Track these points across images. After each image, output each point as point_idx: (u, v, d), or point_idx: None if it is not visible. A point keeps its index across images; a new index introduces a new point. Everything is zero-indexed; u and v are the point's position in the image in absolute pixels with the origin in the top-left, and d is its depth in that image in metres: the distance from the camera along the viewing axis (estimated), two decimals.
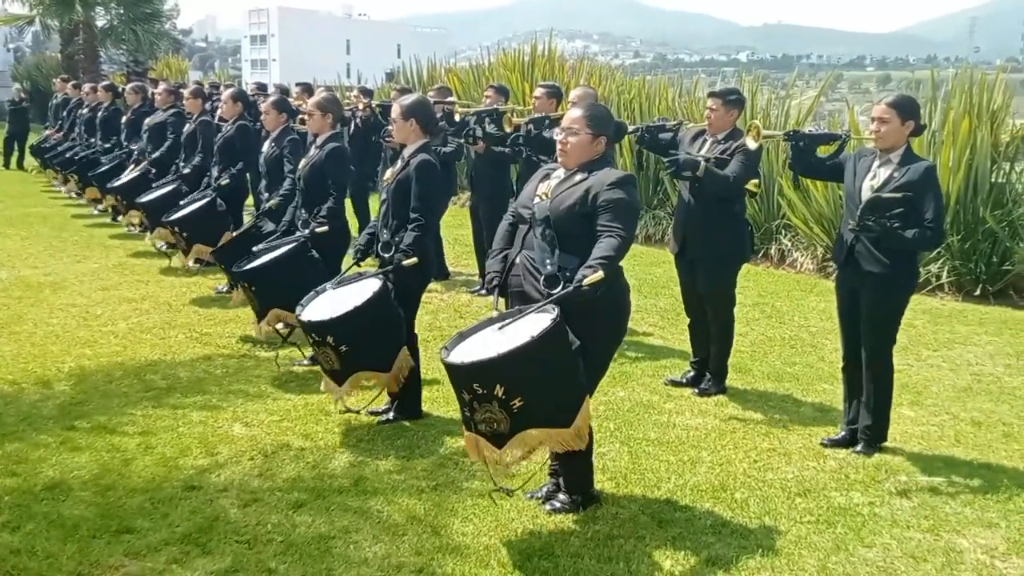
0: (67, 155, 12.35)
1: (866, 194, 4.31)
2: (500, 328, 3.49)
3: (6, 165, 17.51)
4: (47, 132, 15.20)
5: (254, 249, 5.76)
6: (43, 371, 5.48)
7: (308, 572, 3.31)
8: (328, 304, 4.53)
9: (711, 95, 5.31)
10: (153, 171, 9.06)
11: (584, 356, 3.47)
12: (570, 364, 3.42)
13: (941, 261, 8.14)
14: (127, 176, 9.48)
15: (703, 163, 4.99)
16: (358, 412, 4.84)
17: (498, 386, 3.27)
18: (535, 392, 3.33)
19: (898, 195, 4.18)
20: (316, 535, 3.58)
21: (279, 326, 5.57)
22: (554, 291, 3.47)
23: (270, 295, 5.47)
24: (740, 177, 5.04)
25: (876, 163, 4.36)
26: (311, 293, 4.66)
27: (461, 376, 3.37)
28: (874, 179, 4.34)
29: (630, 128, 5.96)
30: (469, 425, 3.44)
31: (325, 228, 5.40)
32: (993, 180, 8.26)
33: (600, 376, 3.75)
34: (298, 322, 4.62)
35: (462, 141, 7.60)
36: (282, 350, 5.76)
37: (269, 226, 6.19)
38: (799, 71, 16.37)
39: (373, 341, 4.49)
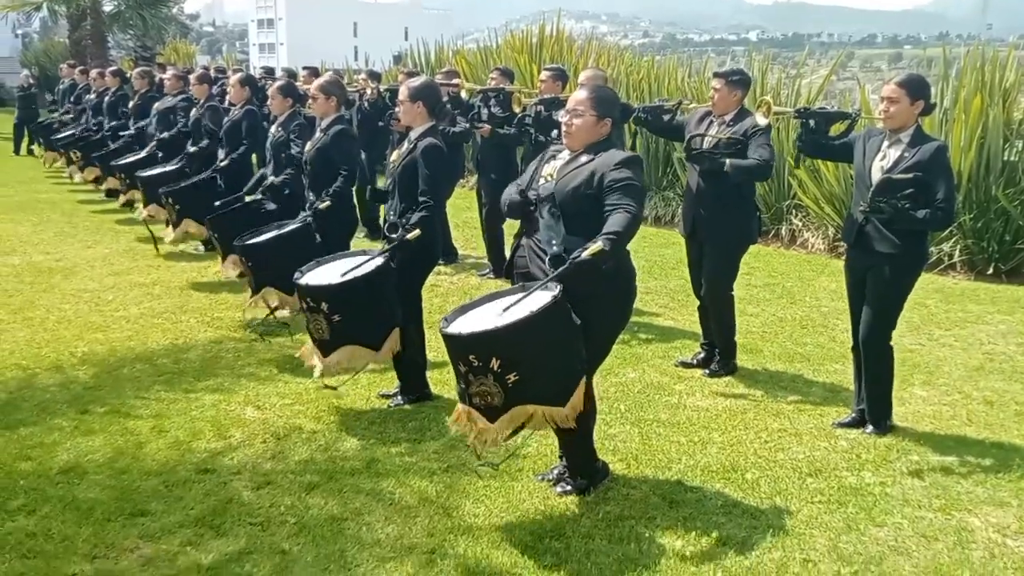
0: (73, 135, 12.34)
1: (876, 174, 4.28)
2: (502, 303, 3.49)
3: (16, 151, 17.56)
4: (56, 115, 15.20)
5: (255, 226, 5.79)
6: (56, 356, 5.52)
7: (321, 553, 3.34)
8: (328, 272, 4.55)
9: (715, 76, 5.27)
10: (161, 154, 9.08)
11: (586, 338, 3.47)
12: (569, 343, 3.42)
13: (953, 240, 8.09)
14: (133, 156, 9.49)
15: (727, 162, 4.97)
16: (335, 388, 4.85)
17: (494, 359, 3.27)
18: (531, 368, 3.33)
19: (909, 176, 4.15)
20: (329, 517, 3.60)
21: (272, 303, 5.59)
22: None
23: (267, 273, 5.49)
24: (768, 160, 5.00)
25: (886, 143, 4.33)
26: (312, 263, 4.67)
27: (458, 347, 3.37)
28: (884, 159, 4.30)
29: (635, 106, 5.92)
30: (464, 398, 3.45)
31: (328, 203, 5.40)
32: (1005, 158, 8.19)
33: (601, 359, 3.74)
34: (295, 286, 4.62)
35: (468, 126, 7.58)
36: (275, 337, 5.80)
37: (270, 205, 6.21)
38: (810, 50, 16.26)
39: (367, 316, 4.49)
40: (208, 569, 3.23)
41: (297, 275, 4.57)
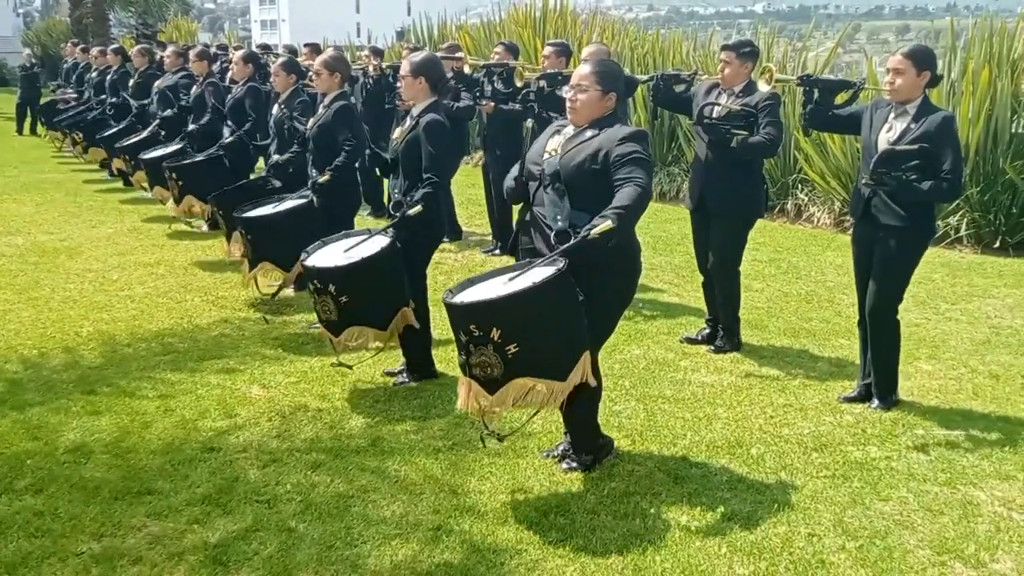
0: (76, 116, 12.29)
1: (882, 146, 4.24)
2: (507, 277, 3.48)
3: (19, 131, 17.53)
4: (63, 93, 15.06)
5: (259, 201, 5.78)
6: (62, 336, 5.53)
7: (327, 531, 3.35)
8: (334, 254, 4.54)
9: (724, 48, 5.22)
10: (163, 133, 9.05)
11: (591, 312, 3.46)
12: (571, 316, 3.41)
13: (960, 213, 8.04)
14: (137, 137, 9.46)
15: (735, 139, 4.96)
16: (351, 367, 4.85)
17: (494, 329, 3.27)
18: (532, 340, 3.32)
19: (913, 147, 4.11)
20: (335, 495, 3.62)
21: (270, 280, 5.58)
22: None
23: (265, 247, 5.48)
24: (776, 138, 4.98)
25: (892, 115, 4.29)
26: (317, 243, 4.66)
27: (459, 316, 3.37)
28: (890, 131, 4.26)
29: (644, 77, 5.88)
30: (464, 369, 3.45)
31: (327, 177, 5.37)
32: (1013, 131, 8.12)
33: (606, 335, 3.73)
34: (302, 267, 4.60)
35: (472, 102, 7.53)
36: (278, 316, 5.80)
37: (276, 183, 6.19)
38: (816, 22, 16.12)
39: (375, 296, 4.49)
40: (215, 547, 3.24)
41: (303, 256, 4.56)
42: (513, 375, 3.35)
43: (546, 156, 3.67)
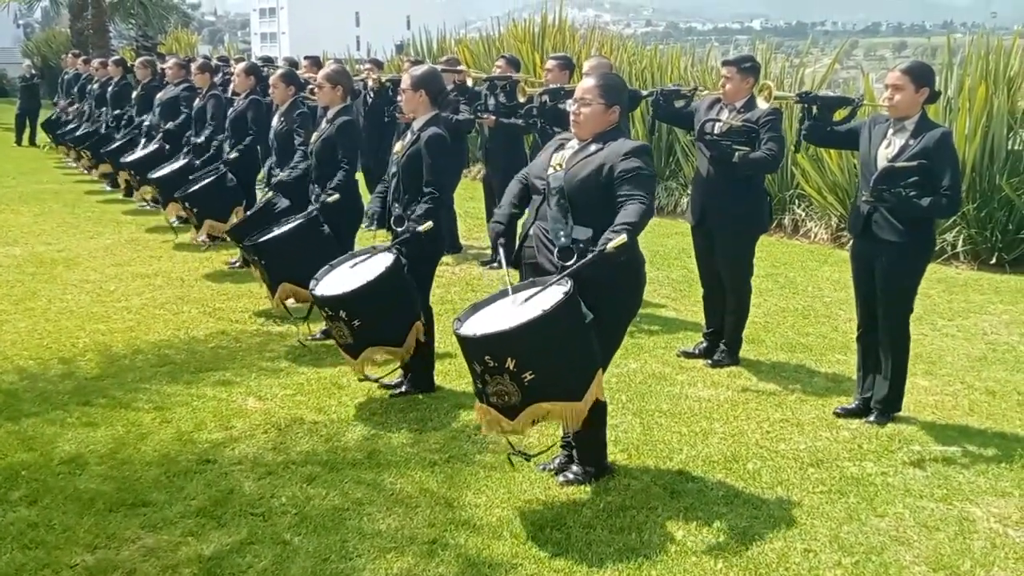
0: (79, 132, 12.35)
1: (881, 162, 4.26)
2: (514, 301, 3.49)
3: (18, 141, 17.55)
4: (63, 103, 15.06)
5: (268, 225, 5.77)
6: (58, 347, 5.52)
7: (322, 544, 3.34)
8: (341, 278, 4.54)
9: (725, 63, 5.25)
10: (167, 146, 9.06)
11: (598, 329, 3.46)
12: (582, 338, 3.42)
13: (956, 230, 8.06)
14: (141, 151, 9.48)
15: (737, 154, 4.97)
16: (376, 380, 4.85)
17: (509, 359, 3.27)
18: (546, 365, 3.33)
19: (913, 164, 4.13)
20: (330, 508, 3.60)
21: (289, 302, 5.57)
22: (567, 263, 3.46)
23: (280, 269, 5.48)
24: (777, 153, 5.00)
25: (891, 131, 4.30)
26: (325, 267, 4.66)
27: (473, 348, 3.38)
28: (889, 147, 4.28)
29: (644, 92, 5.90)
30: (481, 397, 3.46)
31: (336, 196, 5.37)
32: (1010, 147, 8.15)
33: (614, 349, 3.74)
34: (311, 296, 4.64)
35: (472, 117, 7.55)
36: (295, 327, 5.78)
37: (283, 202, 6.17)
38: (813, 38, 16.21)
39: (386, 315, 4.50)
40: (209, 560, 3.23)
41: (312, 283, 4.57)
42: (531, 401, 3.36)
43: (550, 171, 3.68)
